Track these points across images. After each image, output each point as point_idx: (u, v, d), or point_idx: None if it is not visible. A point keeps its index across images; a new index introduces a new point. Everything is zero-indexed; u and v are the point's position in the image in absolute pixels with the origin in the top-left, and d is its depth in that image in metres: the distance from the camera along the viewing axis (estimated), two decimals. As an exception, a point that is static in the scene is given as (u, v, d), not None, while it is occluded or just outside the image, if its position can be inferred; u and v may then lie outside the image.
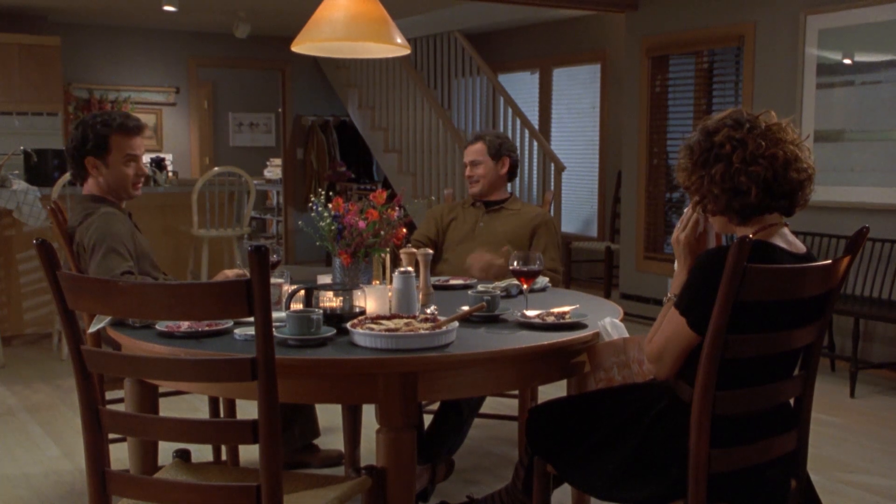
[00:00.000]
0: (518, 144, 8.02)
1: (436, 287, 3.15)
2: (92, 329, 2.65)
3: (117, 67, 9.67)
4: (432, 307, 2.61)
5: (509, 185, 4.06)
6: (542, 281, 3.27)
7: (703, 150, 2.14)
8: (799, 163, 2.12)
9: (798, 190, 2.14)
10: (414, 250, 2.84)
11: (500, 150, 3.87)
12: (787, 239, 2.15)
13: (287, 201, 10.58)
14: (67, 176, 5.25)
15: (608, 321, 2.52)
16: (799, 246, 2.17)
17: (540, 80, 9.27)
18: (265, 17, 8.81)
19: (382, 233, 2.72)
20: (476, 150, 3.88)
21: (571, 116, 9.03)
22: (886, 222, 5.27)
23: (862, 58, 5.42)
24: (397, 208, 2.78)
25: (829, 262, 2.12)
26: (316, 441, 3.75)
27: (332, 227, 2.71)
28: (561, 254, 3.99)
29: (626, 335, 2.47)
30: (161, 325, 2.40)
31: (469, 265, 3.69)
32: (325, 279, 2.85)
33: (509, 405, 4.45)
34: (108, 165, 3.09)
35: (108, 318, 2.53)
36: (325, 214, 2.72)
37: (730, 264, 1.91)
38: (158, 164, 6.92)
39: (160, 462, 2.59)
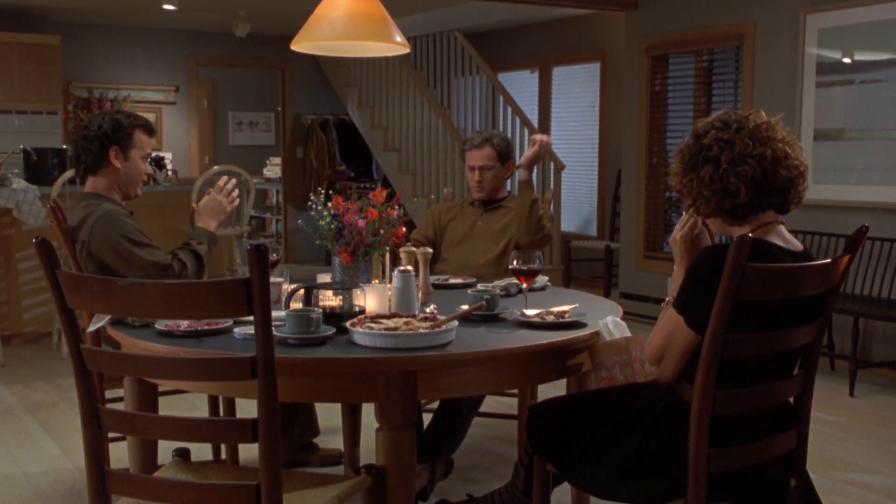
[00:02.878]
0: (518, 144, 8.02)
1: (435, 286, 3.15)
2: (91, 328, 2.65)
3: (117, 66, 9.67)
4: (432, 306, 2.61)
5: (508, 183, 4.05)
6: (542, 280, 3.26)
7: (693, 154, 2.16)
8: (789, 160, 2.12)
9: (790, 187, 2.14)
10: (413, 249, 2.84)
11: (507, 153, 3.85)
12: (783, 237, 2.16)
13: (287, 200, 10.58)
14: (67, 175, 5.25)
15: (610, 320, 2.51)
16: (795, 244, 2.18)
17: (539, 79, 9.27)
18: (265, 16, 8.82)
19: (382, 231, 2.72)
20: (485, 156, 3.79)
21: (571, 115, 9.03)
22: (886, 221, 5.27)
23: (861, 56, 5.42)
24: (397, 207, 2.78)
25: (829, 260, 2.12)
26: (315, 440, 3.75)
27: (332, 226, 2.71)
28: (554, 222, 3.98)
29: (629, 334, 2.47)
30: (160, 324, 2.40)
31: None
32: (324, 278, 2.85)
33: (509, 404, 4.45)
34: (127, 159, 3.16)
35: (107, 317, 2.53)
36: (325, 213, 2.72)
37: (729, 263, 1.91)
38: (158, 162, 6.92)
39: (160, 461, 2.59)
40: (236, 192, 3.24)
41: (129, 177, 3.18)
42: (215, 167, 6.53)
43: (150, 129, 3.23)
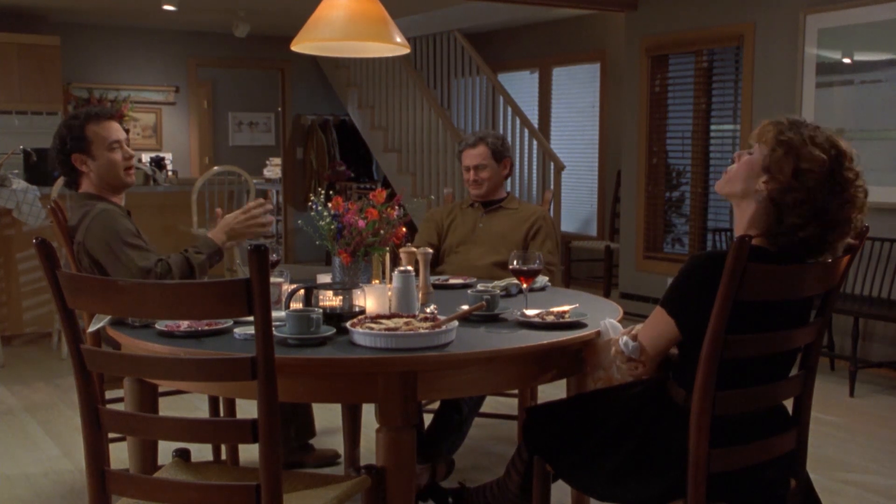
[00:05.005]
0: (518, 144, 8.03)
1: (435, 286, 3.15)
2: (92, 328, 2.65)
3: (117, 67, 9.67)
4: (432, 306, 2.61)
5: (508, 183, 4.05)
6: (542, 280, 3.26)
7: (780, 157, 2.06)
8: (844, 239, 2.12)
9: (828, 247, 2.12)
10: (413, 249, 2.84)
11: (503, 151, 3.87)
12: None
13: (287, 200, 10.58)
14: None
15: (607, 322, 2.51)
16: None
17: (539, 80, 9.27)
18: (265, 17, 8.81)
19: (382, 232, 2.72)
20: (480, 154, 3.82)
21: (571, 116, 9.03)
22: (886, 221, 5.27)
23: (861, 57, 5.42)
24: (397, 207, 2.78)
25: (829, 261, 2.12)
26: (312, 440, 3.74)
27: (332, 227, 2.71)
28: (560, 251, 3.99)
29: (624, 335, 2.47)
30: (161, 325, 2.40)
31: None
32: (324, 278, 2.85)
33: (509, 404, 4.45)
34: (94, 157, 3.05)
35: (107, 318, 2.52)
36: (325, 213, 2.72)
37: (729, 263, 1.91)
38: (158, 163, 6.92)
39: (160, 461, 2.59)
40: (267, 220, 3.02)
41: (104, 173, 3.07)
42: (215, 167, 6.53)
43: (100, 116, 3.06)
